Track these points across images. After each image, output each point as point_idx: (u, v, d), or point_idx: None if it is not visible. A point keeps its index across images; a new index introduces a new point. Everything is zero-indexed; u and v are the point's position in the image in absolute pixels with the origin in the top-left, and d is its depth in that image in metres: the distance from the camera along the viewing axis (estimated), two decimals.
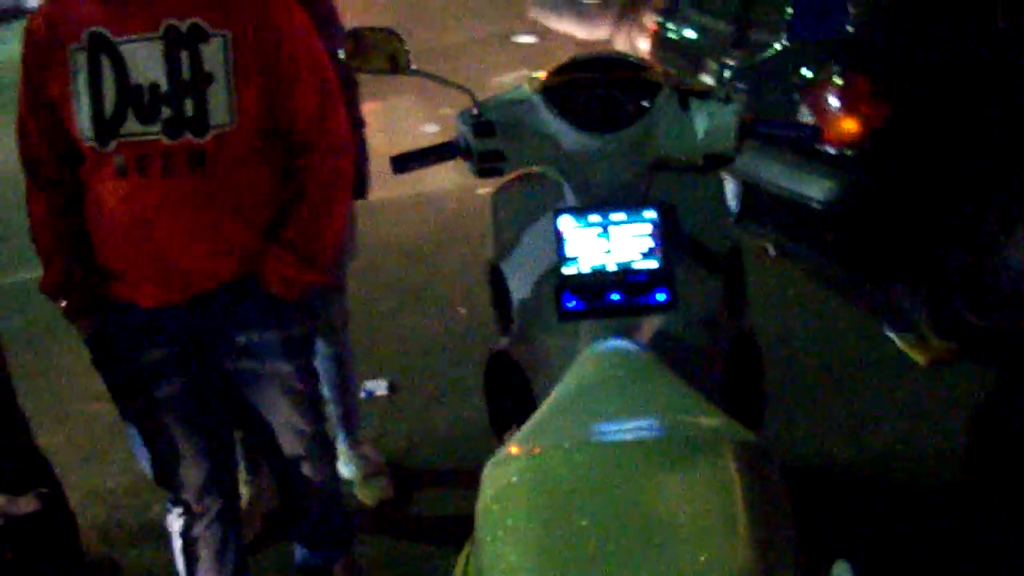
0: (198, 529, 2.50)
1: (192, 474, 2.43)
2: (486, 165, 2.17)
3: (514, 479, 1.52)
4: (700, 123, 2.08)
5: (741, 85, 3.97)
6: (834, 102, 3.46)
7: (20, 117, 2.25)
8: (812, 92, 3.53)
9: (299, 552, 2.78)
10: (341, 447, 3.45)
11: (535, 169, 2.26)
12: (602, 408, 1.75)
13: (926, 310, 3.77)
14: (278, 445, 2.53)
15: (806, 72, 3.60)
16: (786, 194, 3.67)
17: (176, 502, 2.49)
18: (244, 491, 3.23)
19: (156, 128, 2.12)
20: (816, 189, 3.58)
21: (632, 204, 2.09)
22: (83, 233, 2.25)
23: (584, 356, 1.97)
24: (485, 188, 2.59)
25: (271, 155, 2.27)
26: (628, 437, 1.61)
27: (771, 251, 4.36)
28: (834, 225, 3.63)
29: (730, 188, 3.96)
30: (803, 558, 1.42)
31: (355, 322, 4.55)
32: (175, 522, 2.51)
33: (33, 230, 2.31)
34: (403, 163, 2.23)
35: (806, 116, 3.53)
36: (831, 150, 3.53)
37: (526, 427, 1.75)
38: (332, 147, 2.32)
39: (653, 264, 2.07)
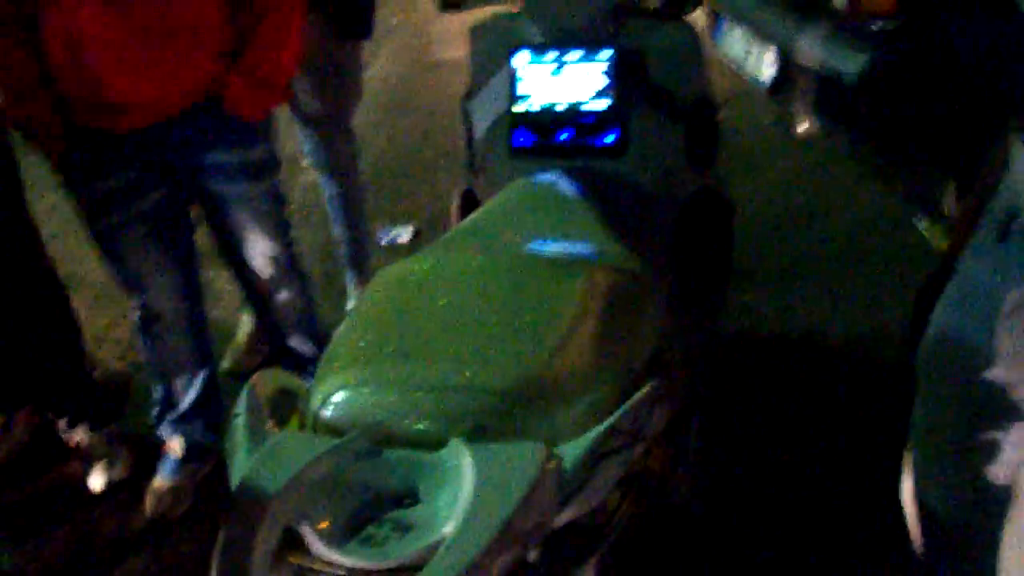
0: (158, 328, 2.65)
1: (157, 284, 2.57)
2: None
3: (380, 279, 1.57)
4: None
5: None
6: None
7: None
8: None
9: None
10: (350, 286, 3.52)
11: (511, 7, 2.26)
12: (501, 227, 1.78)
13: (954, 195, 3.66)
14: (249, 268, 2.64)
15: None
16: (820, 67, 3.56)
17: (140, 307, 2.63)
18: (246, 321, 3.33)
19: None
20: (850, 62, 3.46)
21: (591, 43, 2.08)
22: (43, 65, 2.28)
23: (514, 183, 1.99)
24: None
25: None
26: (500, 252, 1.64)
27: (804, 126, 4.26)
28: (865, 102, 3.52)
29: (767, 57, 3.87)
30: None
31: (392, 170, 4.66)
32: (138, 323, 2.67)
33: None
34: None
35: None
36: (866, 23, 3.40)
37: (437, 241, 1.81)
38: None
39: (604, 104, 2.06)
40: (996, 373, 1.41)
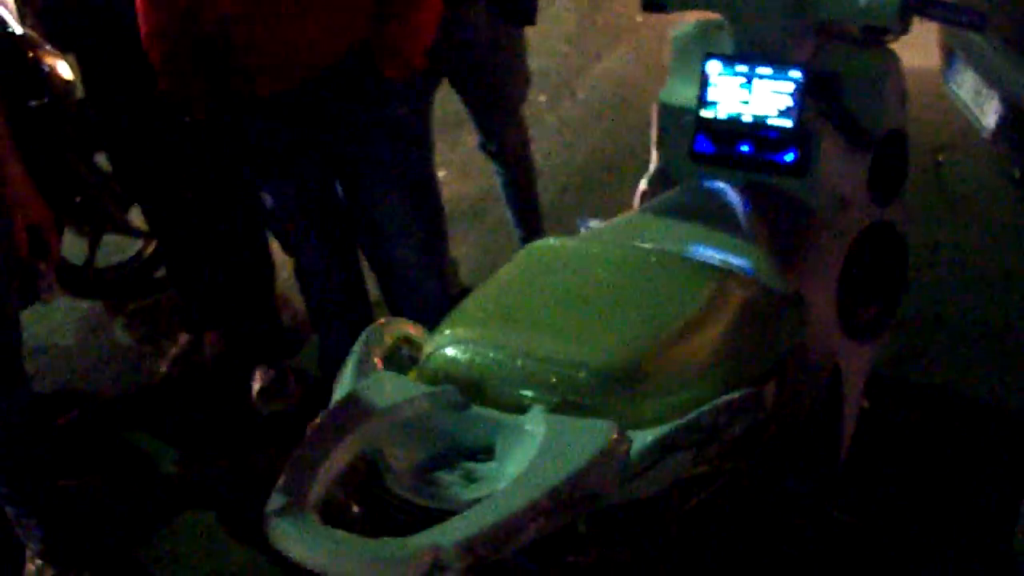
0: (314, 287, 2.82)
1: (310, 247, 2.73)
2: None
3: (527, 251, 1.65)
4: None
5: None
6: None
7: None
8: None
9: None
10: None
11: (713, 15, 2.30)
12: (662, 224, 1.84)
13: None
14: (382, 242, 2.69)
15: None
16: None
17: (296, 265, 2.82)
18: None
19: None
20: None
21: (783, 61, 2.10)
22: (197, 36, 2.42)
23: (687, 185, 2.04)
24: None
25: None
26: (648, 247, 1.69)
27: (1017, 175, 4.12)
28: None
29: (991, 104, 3.76)
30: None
31: (605, 163, 4.72)
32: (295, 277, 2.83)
33: (148, 40, 2.46)
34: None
35: None
36: None
37: (602, 225, 1.88)
38: None
39: (787, 123, 2.09)
40: None
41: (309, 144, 2.55)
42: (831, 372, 2.09)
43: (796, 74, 2.07)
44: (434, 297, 2.75)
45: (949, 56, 4.27)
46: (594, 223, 4.21)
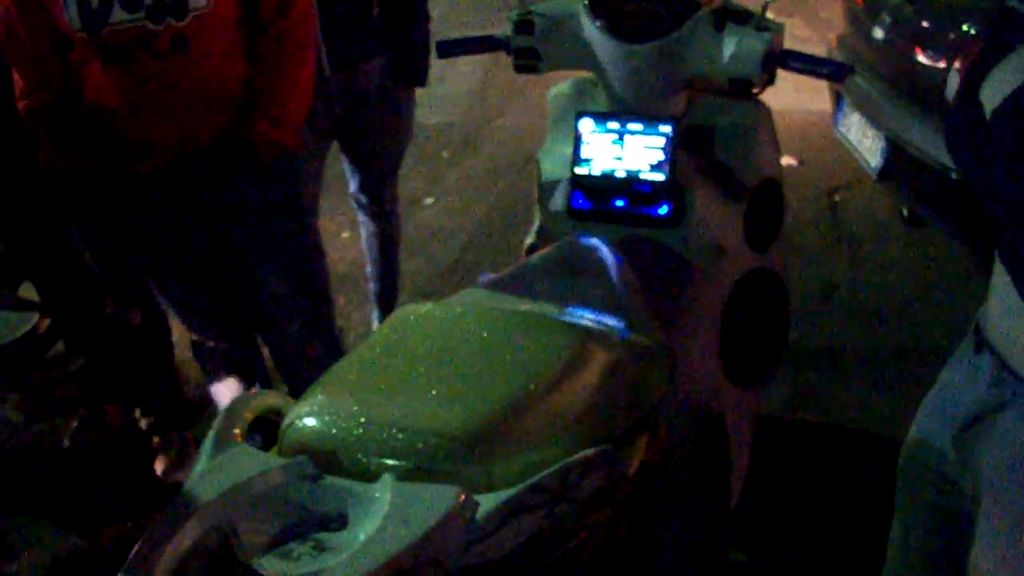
0: (206, 359, 2.79)
1: (201, 320, 2.73)
2: (521, 61, 2.28)
3: (394, 317, 1.66)
4: (729, 46, 2.09)
5: (881, 33, 3.88)
6: None
7: (6, 20, 2.35)
8: (966, 51, 3.36)
9: None
10: (375, 324, 3.71)
11: (585, 74, 2.34)
12: (534, 284, 1.86)
13: None
14: (269, 319, 2.71)
15: (965, 28, 3.42)
16: (926, 159, 3.53)
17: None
18: None
19: (140, 15, 2.25)
20: None
21: (653, 116, 2.14)
22: (74, 114, 2.41)
23: (560, 243, 2.06)
24: None
25: (241, 35, 2.41)
26: (512, 309, 1.71)
27: (904, 213, 4.22)
28: (972, 198, 3.47)
29: (877, 145, 3.85)
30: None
31: (504, 218, 4.75)
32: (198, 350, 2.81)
33: (27, 117, 2.44)
34: (448, 48, 2.36)
35: (952, 76, 3.37)
36: None
37: (473, 286, 1.89)
38: (294, 20, 2.43)
39: (660, 177, 2.12)
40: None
41: (189, 226, 2.55)
42: (715, 420, 2.11)
43: (666, 128, 2.11)
44: (323, 369, 2.74)
45: (838, 100, 4.38)
46: (491, 277, 4.27)
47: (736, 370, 2.30)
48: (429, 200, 5.09)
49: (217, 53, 2.36)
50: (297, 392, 2.69)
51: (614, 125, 2.15)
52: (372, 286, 3.65)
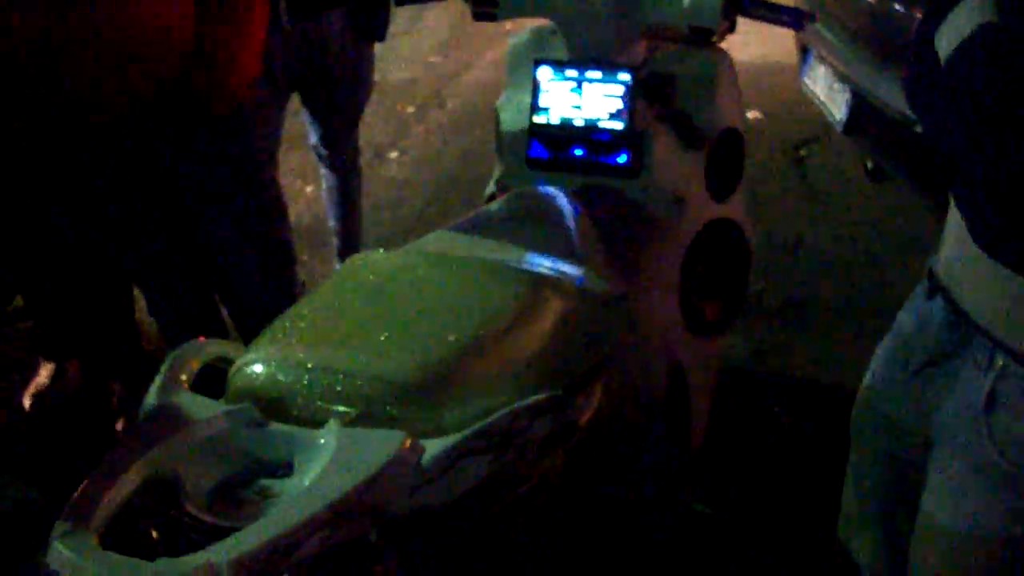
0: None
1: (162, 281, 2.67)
2: (479, 9, 2.24)
3: (346, 266, 1.64)
4: None
5: None
6: None
7: None
8: None
9: None
10: None
11: (545, 23, 2.30)
12: (488, 232, 1.83)
13: None
14: (229, 274, 2.66)
15: None
16: (890, 112, 3.52)
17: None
18: None
19: None
20: None
21: (612, 65, 2.11)
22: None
23: (517, 191, 2.04)
24: None
25: None
26: (464, 256, 1.69)
27: (869, 166, 4.22)
28: (934, 151, 3.46)
29: (843, 98, 3.84)
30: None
31: (470, 172, 4.72)
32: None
33: None
34: None
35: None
36: None
37: (428, 236, 1.87)
38: None
39: (619, 125, 2.10)
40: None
41: (138, 186, 2.47)
42: (674, 369, 2.10)
43: (625, 76, 2.08)
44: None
45: (804, 52, 4.35)
46: None
47: (696, 320, 2.29)
48: (394, 154, 5.05)
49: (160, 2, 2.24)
50: None
51: (572, 73, 2.12)
52: (335, 240, 3.62)
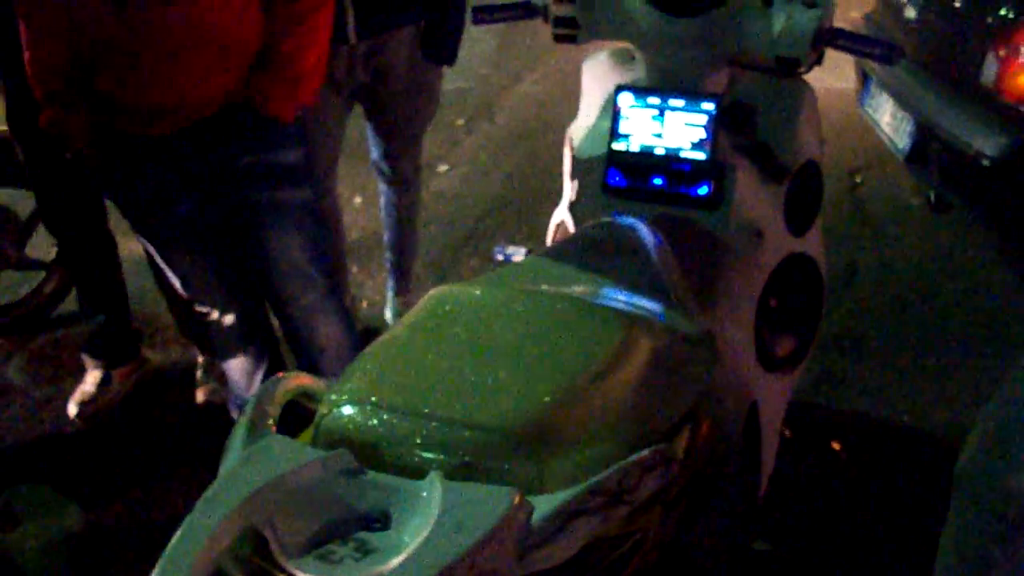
0: (213, 328, 2.67)
1: (210, 291, 2.60)
2: (560, 31, 2.20)
3: (428, 299, 1.57)
4: (777, 22, 2.01)
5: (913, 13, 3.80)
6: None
7: None
8: (1003, 38, 3.28)
9: None
10: (389, 294, 3.64)
11: (625, 45, 2.26)
12: (570, 265, 1.78)
13: None
14: (281, 288, 2.58)
15: (1004, 11, 3.34)
16: (958, 143, 3.46)
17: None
18: None
19: None
20: (990, 143, 3.36)
21: (695, 93, 2.06)
22: (78, 68, 2.28)
23: (597, 222, 1.99)
24: None
25: None
26: (553, 292, 1.63)
27: (932, 199, 4.15)
28: (1003, 185, 3.40)
29: (905, 127, 3.78)
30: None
31: (522, 187, 4.68)
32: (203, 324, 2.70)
33: (33, 71, 2.31)
34: (482, 15, 2.28)
35: (989, 61, 3.29)
36: (1013, 104, 3.29)
37: (507, 267, 1.81)
38: None
39: (700, 156, 2.05)
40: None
41: (198, 191, 2.47)
42: (751, 409, 2.05)
43: (709, 106, 2.03)
44: (336, 341, 2.67)
45: (864, 79, 4.29)
46: (510, 250, 4.19)
47: (769, 356, 2.23)
48: (444, 167, 5.01)
49: (224, 7, 2.22)
50: (307, 367, 2.65)
51: (654, 100, 2.07)
52: (388, 255, 3.57)
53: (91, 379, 3.31)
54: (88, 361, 3.33)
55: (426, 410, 1.29)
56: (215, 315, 2.63)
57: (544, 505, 1.18)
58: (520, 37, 6.62)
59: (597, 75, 2.32)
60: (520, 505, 1.14)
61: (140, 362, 3.42)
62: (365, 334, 3.56)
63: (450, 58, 3.14)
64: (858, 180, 4.64)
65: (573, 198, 2.27)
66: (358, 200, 4.57)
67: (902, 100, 3.84)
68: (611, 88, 2.18)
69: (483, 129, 5.45)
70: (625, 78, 2.22)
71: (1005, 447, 1.42)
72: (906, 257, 4.06)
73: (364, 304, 3.70)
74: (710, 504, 1.72)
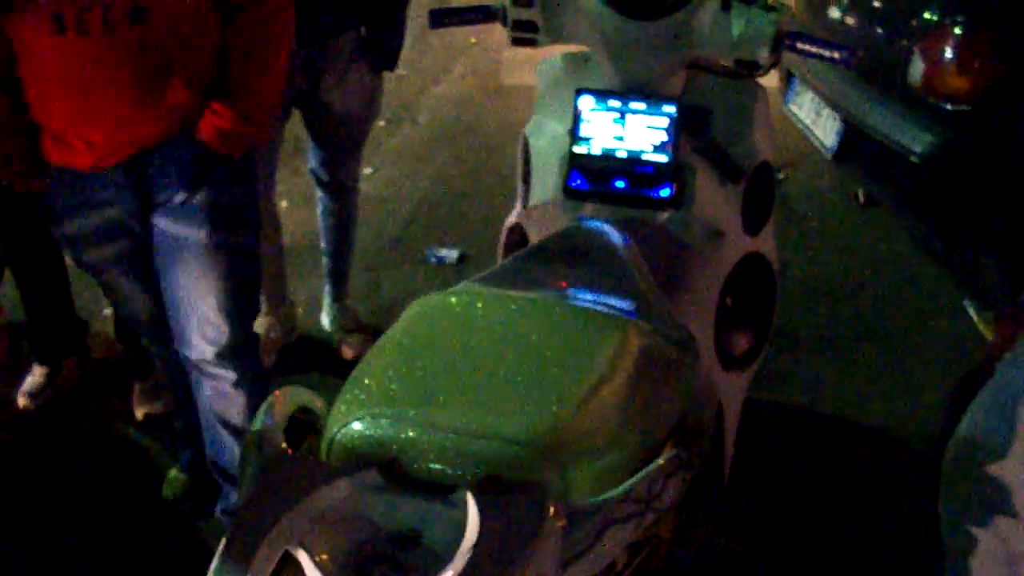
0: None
1: (151, 323, 2.45)
2: (520, 34, 2.19)
3: (416, 308, 1.56)
4: (736, 26, 2.04)
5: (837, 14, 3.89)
6: (950, 53, 3.30)
7: None
8: (930, 37, 3.36)
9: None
10: (326, 300, 3.59)
11: (580, 48, 2.26)
12: (547, 270, 1.78)
13: (1010, 289, 3.61)
14: (187, 336, 2.33)
15: (929, 15, 3.43)
16: (886, 141, 3.53)
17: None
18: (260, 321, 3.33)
19: None
20: (918, 140, 3.43)
21: (655, 96, 2.07)
22: (17, 95, 2.10)
23: (566, 228, 1.98)
24: None
25: (211, 11, 2.12)
26: (540, 297, 1.63)
27: (861, 197, 4.23)
28: (928, 182, 3.49)
29: (831, 126, 3.85)
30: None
31: (448, 189, 4.67)
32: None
33: None
34: (440, 18, 2.26)
35: (916, 61, 3.37)
36: (939, 102, 3.37)
37: (480, 275, 1.80)
38: (272, 10, 2.18)
39: (663, 158, 2.07)
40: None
41: (137, 222, 2.25)
42: (717, 407, 2.07)
43: (670, 109, 2.05)
44: (238, 407, 2.44)
45: (788, 78, 4.36)
46: (443, 252, 4.18)
47: (726, 355, 2.26)
48: (368, 170, 4.96)
49: (181, 30, 2.06)
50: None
51: (615, 103, 2.09)
52: (325, 261, 3.52)
53: (39, 371, 3.28)
54: (34, 353, 3.30)
55: (444, 422, 1.27)
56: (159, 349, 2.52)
57: (579, 515, 1.17)
58: (435, 37, 6.60)
59: (552, 79, 2.32)
60: (557, 516, 1.13)
61: (85, 352, 3.40)
62: (302, 340, 3.53)
63: (391, 64, 3.11)
64: (782, 177, 4.71)
65: (532, 201, 2.27)
66: (284, 204, 4.51)
67: (828, 99, 3.91)
68: (567, 91, 2.19)
69: (405, 131, 5.42)
70: (581, 81, 2.22)
71: (991, 437, 1.45)
72: (833, 252, 4.15)
73: (300, 311, 3.65)
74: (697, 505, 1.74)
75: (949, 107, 3.35)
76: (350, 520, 1.16)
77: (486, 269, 1.82)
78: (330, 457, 1.29)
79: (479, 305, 1.55)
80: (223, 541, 1.10)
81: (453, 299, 1.57)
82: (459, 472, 1.23)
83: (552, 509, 1.13)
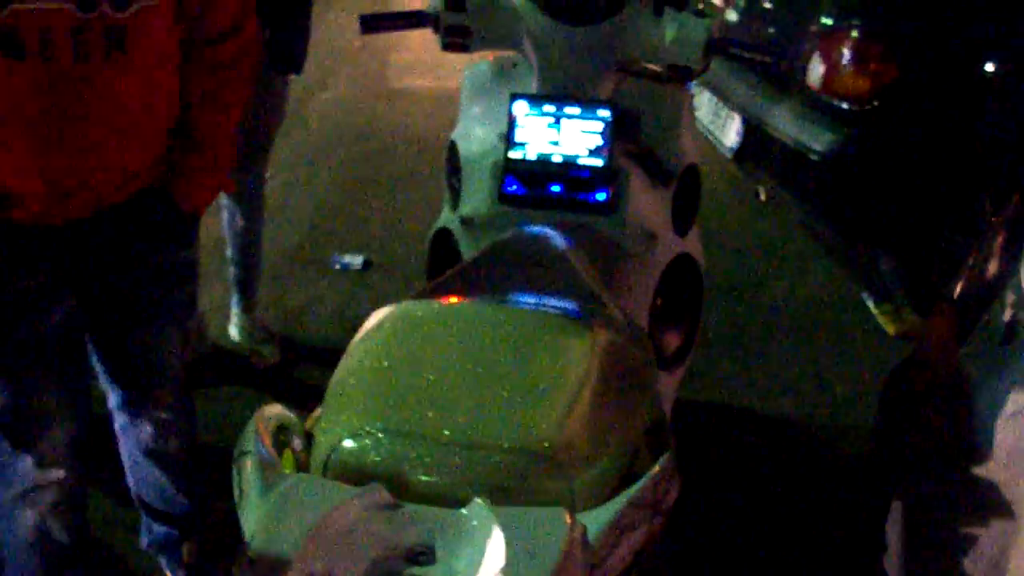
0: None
1: (52, 430, 2.04)
2: (452, 39, 2.17)
3: (383, 317, 1.54)
4: (669, 31, 2.05)
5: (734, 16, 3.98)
6: (847, 55, 3.40)
7: None
8: (828, 41, 3.46)
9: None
10: (234, 310, 3.52)
11: (510, 52, 2.25)
12: (497, 277, 1.77)
13: (906, 283, 3.74)
14: (126, 387, 2.22)
15: (826, 20, 3.53)
16: (786, 140, 3.62)
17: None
18: None
19: None
20: (817, 139, 3.53)
21: (590, 101, 2.08)
22: None
23: (506, 234, 1.98)
24: None
25: (178, 44, 1.90)
26: (503, 303, 1.62)
27: (762, 195, 4.33)
28: (828, 179, 3.59)
29: (732, 125, 3.92)
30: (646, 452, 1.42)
31: (344, 195, 4.62)
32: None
33: None
34: (371, 23, 2.23)
35: (815, 63, 3.46)
36: (838, 103, 3.47)
37: (437, 281, 1.78)
38: (247, 39, 2.01)
39: (598, 162, 2.07)
40: (991, 470, 1.43)
41: (71, 287, 1.99)
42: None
43: (605, 113, 2.05)
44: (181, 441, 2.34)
45: None
46: (347, 259, 4.13)
47: (658, 354, 2.28)
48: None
49: (155, 65, 1.83)
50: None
51: (550, 108, 2.08)
52: (233, 271, 3.43)
53: None
54: None
55: (444, 435, 1.26)
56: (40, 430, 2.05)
57: (593, 523, 1.17)
58: (321, 40, 6.51)
59: (480, 84, 2.31)
60: (574, 525, 1.12)
61: None
62: (214, 353, 3.44)
63: (297, 67, 3.06)
64: (763, 200, 4.78)
65: (464, 207, 2.25)
66: None
67: (727, 99, 3.99)
68: (498, 97, 2.18)
69: (297, 135, 5.32)
70: (511, 87, 2.21)
71: (957, 432, 1.49)
72: (736, 251, 4.23)
73: (211, 320, 3.56)
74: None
75: (846, 107, 3.46)
76: (360, 539, 1.13)
77: (437, 277, 1.81)
78: (327, 475, 1.27)
79: (448, 313, 1.54)
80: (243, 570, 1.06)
81: (419, 308, 1.55)
82: (465, 485, 1.22)
83: (569, 519, 1.13)
